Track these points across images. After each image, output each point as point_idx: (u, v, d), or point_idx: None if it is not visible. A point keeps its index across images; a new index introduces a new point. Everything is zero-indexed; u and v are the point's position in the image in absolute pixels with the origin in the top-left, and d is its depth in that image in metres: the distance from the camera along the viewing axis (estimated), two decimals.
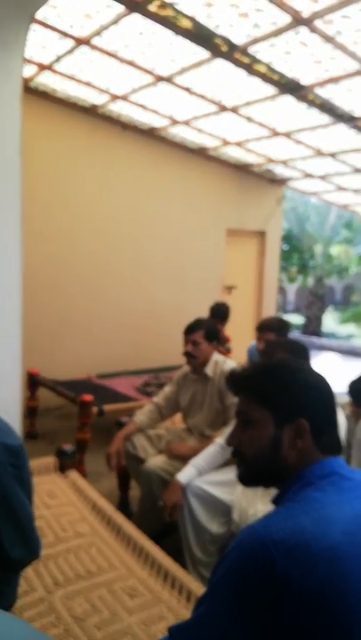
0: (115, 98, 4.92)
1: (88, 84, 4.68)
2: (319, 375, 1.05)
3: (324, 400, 1.02)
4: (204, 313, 5.30)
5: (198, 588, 1.70)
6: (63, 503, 2.30)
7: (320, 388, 1.02)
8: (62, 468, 2.62)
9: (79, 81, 4.64)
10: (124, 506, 3.05)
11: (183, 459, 2.49)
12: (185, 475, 2.29)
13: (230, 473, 2.21)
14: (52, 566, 1.84)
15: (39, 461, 2.64)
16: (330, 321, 14.61)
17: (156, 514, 2.46)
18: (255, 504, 2.05)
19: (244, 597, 0.83)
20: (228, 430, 2.58)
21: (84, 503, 2.32)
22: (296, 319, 14.23)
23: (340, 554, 0.80)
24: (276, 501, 1.01)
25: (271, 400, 1.00)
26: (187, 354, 2.77)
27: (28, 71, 4.52)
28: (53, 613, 1.60)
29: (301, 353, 2.20)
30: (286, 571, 0.79)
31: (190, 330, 2.78)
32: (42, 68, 4.42)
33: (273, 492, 1.03)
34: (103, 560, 1.89)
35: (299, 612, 0.78)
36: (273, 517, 0.89)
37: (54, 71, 4.47)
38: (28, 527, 1.35)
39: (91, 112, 5.41)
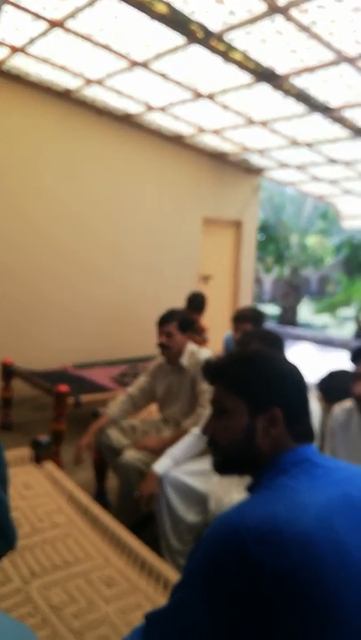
0: (89, 82, 4.84)
1: (62, 67, 4.59)
2: (292, 365, 1.06)
3: (298, 389, 1.03)
4: (180, 303, 5.30)
5: (175, 577, 1.71)
6: (39, 494, 2.28)
7: (293, 377, 1.04)
8: (38, 459, 2.59)
9: (53, 64, 4.55)
10: (100, 496, 3.04)
11: (154, 451, 2.51)
12: (161, 465, 2.29)
13: (206, 462, 2.23)
14: (29, 557, 1.83)
15: (14, 452, 2.61)
16: (305, 311, 14.78)
17: (134, 505, 2.47)
18: (231, 493, 2.07)
19: (219, 584, 0.83)
20: (196, 417, 2.60)
21: (61, 494, 2.30)
22: (272, 309, 14.36)
23: (313, 539, 0.81)
24: (250, 489, 1.02)
25: (246, 389, 1.01)
26: (161, 345, 2.76)
27: (0, 54, 4.41)
28: (30, 603, 1.59)
29: (276, 343, 2.22)
30: (260, 557, 0.79)
31: (163, 321, 2.76)
32: (14, 50, 4.31)
33: (248, 480, 1.04)
34: (80, 550, 1.89)
35: (273, 597, 0.79)
36: (247, 505, 0.90)
37: (27, 54, 4.37)
38: (4, 518, 1.34)
39: (65, 97, 5.31)
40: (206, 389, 2.59)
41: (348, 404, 2.03)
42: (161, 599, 1.63)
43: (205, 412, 2.54)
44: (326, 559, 0.81)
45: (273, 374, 1.02)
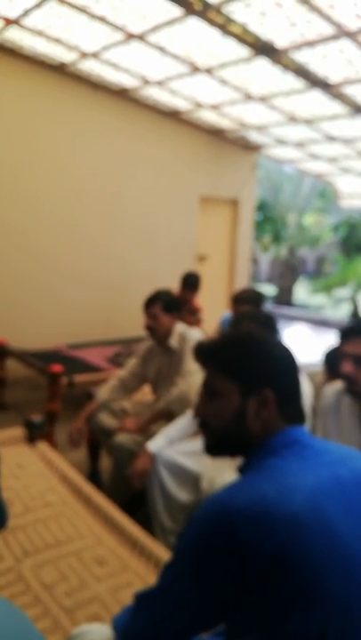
0: (85, 55, 4.73)
1: (57, 40, 4.48)
2: (284, 346, 1.06)
3: (289, 371, 1.03)
4: (175, 282, 5.27)
5: (166, 556, 1.73)
6: (32, 474, 2.29)
7: (285, 359, 1.03)
8: (31, 439, 2.59)
9: (48, 37, 4.44)
10: (94, 476, 3.06)
11: (133, 433, 2.56)
12: (155, 443, 2.30)
13: (199, 443, 2.23)
14: (21, 536, 1.84)
15: (7, 432, 2.61)
16: (302, 292, 14.76)
17: (127, 484, 2.48)
18: (223, 473, 2.08)
19: (208, 564, 0.85)
20: (168, 395, 2.61)
21: (54, 474, 2.31)
22: (269, 289, 14.33)
23: (301, 520, 0.82)
24: (241, 470, 1.03)
25: (237, 371, 1.01)
26: (147, 328, 2.73)
27: None
28: (22, 582, 1.61)
29: (269, 324, 2.20)
30: (248, 538, 0.81)
31: (148, 303, 2.72)
32: (8, 22, 4.20)
33: (240, 461, 1.05)
34: (72, 529, 1.90)
35: (262, 577, 0.80)
36: (236, 486, 0.91)
37: (22, 26, 4.25)
38: None
39: (59, 70, 5.20)
40: (189, 370, 2.58)
41: (338, 384, 2.02)
42: (152, 578, 1.64)
43: (176, 390, 2.55)
44: (314, 540, 0.82)
45: (264, 356, 1.01)
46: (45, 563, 1.71)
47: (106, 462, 3.04)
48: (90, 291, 5.81)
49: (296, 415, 1.02)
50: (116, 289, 6.05)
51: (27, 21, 4.18)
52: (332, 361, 2.76)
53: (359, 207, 11.74)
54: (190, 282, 5.13)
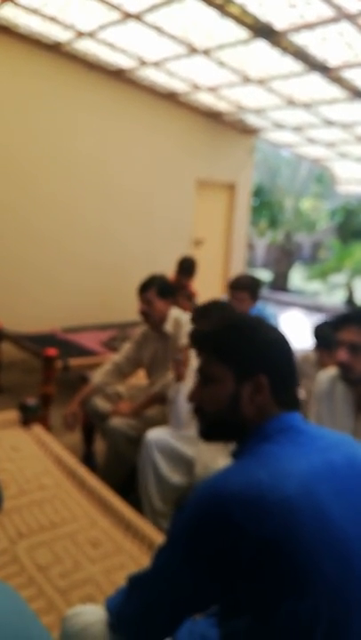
0: (81, 35, 4.64)
1: (53, 18, 4.40)
2: (279, 332, 1.06)
3: (284, 356, 1.03)
4: (171, 266, 5.26)
5: (159, 538, 1.75)
6: (27, 456, 2.30)
7: (279, 344, 1.03)
8: (26, 422, 2.60)
9: (43, 15, 4.35)
10: (88, 459, 3.08)
11: (127, 417, 2.59)
12: None
13: (194, 428, 2.25)
14: (16, 518, 1.86)
15: (2, 415, 2.62)
16: (297, 277, 14.75)
17: (121, 467, 2.53)
18: (217, 458, 2.10)
19: (202, 548, 0.86)
20: (165, 380, 2.61)
21: (48, 456, 2.32)
22: (265, 275, 14.31)
23: (295, 505, 0.83)
24: (234, 455, 1.03)
25: (231, 356, 1.01)
26: (141, 313, 2.73)
27: None
28: (17, 563, 1.63)
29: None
30: (242, 522, 0.82)
31: (142, 288, 2.71)
32: (4, 0, 4.11)
33: (234, 446, 1.05)
34: (67, 511, 1.92)
35: (255, 561, 0.81)
36: (231, 471, 0.92)
37: (16, 4, 4.16)
38: None
39: (55, 50, 5.11)
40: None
41: (333, 370, 2.03)
42: (145, 560, 1.66)
43: (170, 374, 2.56)
44: (308, 524, 0.83)
45: (259, 341, 1.01)
46: (40, 544, 1.72)
47: (100, 445, 3.06)
48: (85, 274, 5.79)
49: (291, 401, 1.02)
50: (111, 272, 6.02)
51: None
52: (323, 335, 2.74)
53: (356, 193, 11.70)
54: (186, 266, 5.12)
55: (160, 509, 2.30)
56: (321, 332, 2.79)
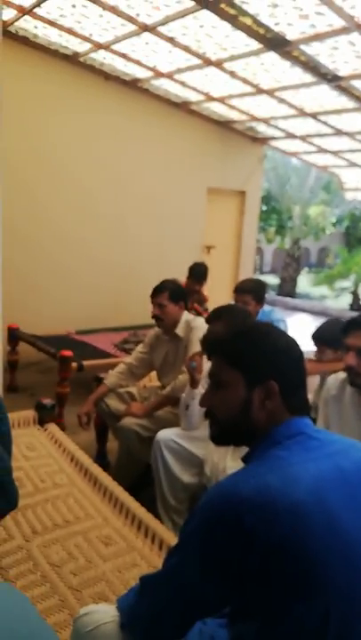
0: (97, 46, 4.74)
1: (70, 30, 4.49)
2: (290, 338, 1.07)
3: (294, 362, 1.04)
4: (183, 272, 5.30)
5: (170, 537, 1.79)
6: (42, 455, 2.36)
7: (290, 350, 1.04)
8: (41, 422, 2.66)
9: (61, 27, 4.45)
10: (101, 458, 3.13)
11: (138, 417, 2.63)
12: None
13: (204, 429, 2.29)
14: (31, 515, 1.90)
15: (19, 414, 2.68)
16: (304, 283, 14.75)
17: (134, 466, 2.59)
18: (225, 460, 2.14)
19: (213, 551, 0.88)
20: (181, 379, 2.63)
21: (63, 455, 2.38)
22: (272, 280, 14.33)
23: (304, 510, 0.85)
24: (245, 460, 1.04)
25: (243, 362, 1.02)
26: (154, 317, 2.79)
27: (8, 15, 4.31)
28: (31, 560, 1.67)
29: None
30: (253, 526, 0.83)
31: (155, 292, 2.77)
32: (22, 11, 4.21)
33: (243, 448, 1.07)
34: (80, 510, 1.96)
35: (265, 565, 0.83)
36: (241, 475, 0.94)
37: (35, 16, 4.26)
38: (5, 479, 1.39)
39: (72, 60, 5.21)
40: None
41: (341, 374, 2.05)
42: (156, 559, 1.70)
43: (181, 377, 2.59)
44: (317, 530, 0.85)
45: (269, 347, 1.02)
46: (53, 542, 1.77)
47: (113, 445, 3.11)
48: (99, 278, 5.87)
49: (301, 406, 1.03)
50: (125, 276, 6.09)
51: (40, 11, 4.19)
52: (327, 335, 2.72)
53: None
54: (198, 272, 5.15)
55: (172, 505, 2.36)
56: (319, 331, 2.81)
